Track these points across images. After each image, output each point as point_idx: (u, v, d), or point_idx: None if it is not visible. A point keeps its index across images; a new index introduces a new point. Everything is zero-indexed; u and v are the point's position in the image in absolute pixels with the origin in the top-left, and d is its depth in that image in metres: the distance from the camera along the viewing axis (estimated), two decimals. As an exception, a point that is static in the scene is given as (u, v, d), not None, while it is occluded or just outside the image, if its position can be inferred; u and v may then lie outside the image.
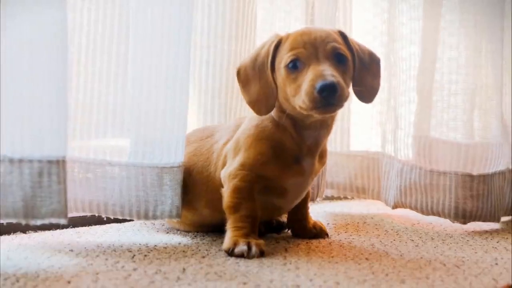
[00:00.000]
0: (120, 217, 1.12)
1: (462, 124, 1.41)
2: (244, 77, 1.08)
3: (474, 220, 1.35)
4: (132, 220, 1.25)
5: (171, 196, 1.11)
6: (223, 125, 1.23)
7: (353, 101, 1.59)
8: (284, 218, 1.25)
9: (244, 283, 0.84)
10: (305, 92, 0.97)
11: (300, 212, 1.20)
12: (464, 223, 1.36)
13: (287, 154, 1.07)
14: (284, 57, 1.02)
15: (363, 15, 1.59)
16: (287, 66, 1.01)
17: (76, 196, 1.10)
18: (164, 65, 1.10)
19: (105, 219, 1.14)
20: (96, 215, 1.12)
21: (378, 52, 1.51)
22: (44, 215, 0.95)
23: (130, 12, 1.10)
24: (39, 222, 0.95)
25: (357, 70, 1.07)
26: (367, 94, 1.09)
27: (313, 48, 1.01)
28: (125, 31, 1.12)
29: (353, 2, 1.56)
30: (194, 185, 1.14)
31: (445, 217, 1.36)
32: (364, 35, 1.58)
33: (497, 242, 1.20)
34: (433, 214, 1.38)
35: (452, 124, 1.41)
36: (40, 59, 0.95)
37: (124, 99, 1.12)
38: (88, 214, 1.12)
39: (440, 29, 1.42)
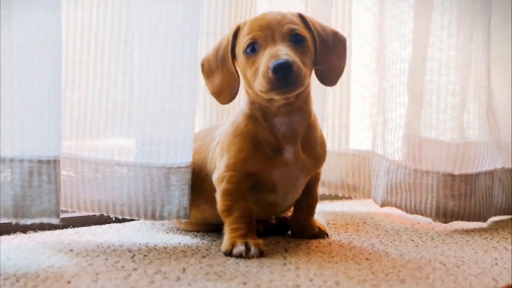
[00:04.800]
0: (128, 217, 1.13)
1: (448, 124, 1.40)
2: (208, 69, 1.10)
3: (456, 219, 1.34)
4: (133, 220, 1.25)
5: (178, 197, 1.11)
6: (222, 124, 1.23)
7: (351, 101, 1.60)
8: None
9: (244, 283, 0.85)
10: (261, 74, 0.98)
11: (303, 212, 1.19)
12: (446, 222, 1.35)
13: (264, 146, 1.06)
14: (242, 42, 1.03)
15: (364, 14, 1.58)
16: (245, 50, 1.02)
17: (85, 196, 1.11)
18: (170, 63, 1.09)
19: (105, 216, 1.14)
20: (101, 214, 1.13)
21: (375, 52, 1.53)
22: (35, 215, 0.95)
23: (136, 10, 1.10)
24: (29, 222, 0.95)
25: (320, 51, 1.07)
26: (330, 74, 1.09)
27: (270, 31, 1.01)
28: (132, 30, 1.12)
29: (353, 1, 1.56)
30: (196, 181, 1.14)
31: (427, 216, 1.36)
32: (363, 34, 1.58)
33: (497, 242, 1.20)
34: (417, 213, 1.37)
35: (435, 123, 1.40)
36: (32, 59, 0.94)
37: (131, 98, 1.12)
38: (97, 213, 1.13)
39: (431, 30, 1.41)
